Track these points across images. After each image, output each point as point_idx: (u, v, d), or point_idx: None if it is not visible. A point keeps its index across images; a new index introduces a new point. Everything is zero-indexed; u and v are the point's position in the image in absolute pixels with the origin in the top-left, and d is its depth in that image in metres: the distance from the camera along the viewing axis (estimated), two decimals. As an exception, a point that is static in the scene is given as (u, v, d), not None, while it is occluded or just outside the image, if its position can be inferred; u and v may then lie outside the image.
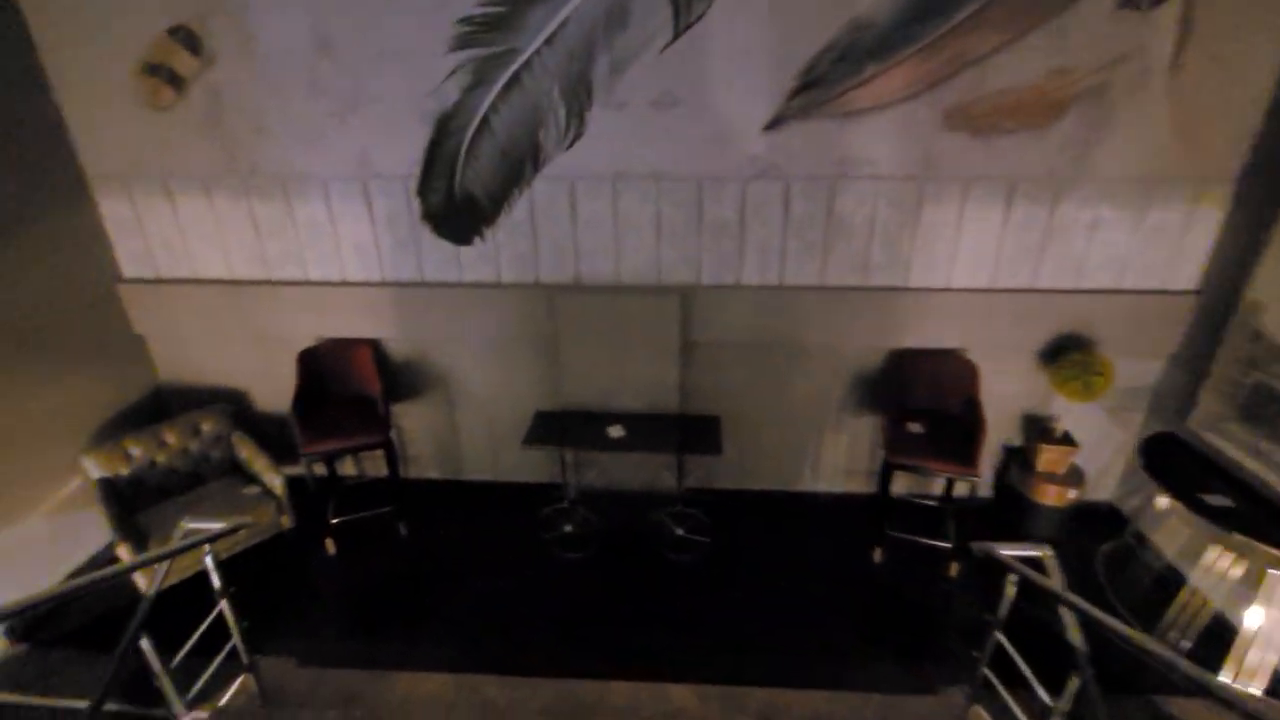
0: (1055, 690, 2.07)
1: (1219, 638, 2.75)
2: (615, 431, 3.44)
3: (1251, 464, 2.91)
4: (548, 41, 2.99)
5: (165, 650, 2.29)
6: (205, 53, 3.15)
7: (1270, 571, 2.58)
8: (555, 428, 3.56)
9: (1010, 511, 3.63)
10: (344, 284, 3.63)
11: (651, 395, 3.63)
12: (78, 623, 3.14)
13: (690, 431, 3.51)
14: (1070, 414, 3.52)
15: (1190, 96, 2.90)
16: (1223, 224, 3.13)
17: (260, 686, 2.61)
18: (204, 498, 3.46)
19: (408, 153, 3.30)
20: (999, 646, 2.28)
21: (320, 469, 3.86)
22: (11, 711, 2.81)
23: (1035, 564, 2.12)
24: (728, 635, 3.09)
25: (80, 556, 3.41)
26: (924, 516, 3.67)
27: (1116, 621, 1.74)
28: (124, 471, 3.38)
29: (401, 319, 3.66)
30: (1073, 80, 2.91)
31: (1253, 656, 2.64)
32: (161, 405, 3.94)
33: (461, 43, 3.04)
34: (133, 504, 3.39)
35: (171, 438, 3.55)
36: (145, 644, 2.28)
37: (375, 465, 4.10)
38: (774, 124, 3.12)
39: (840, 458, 3.91)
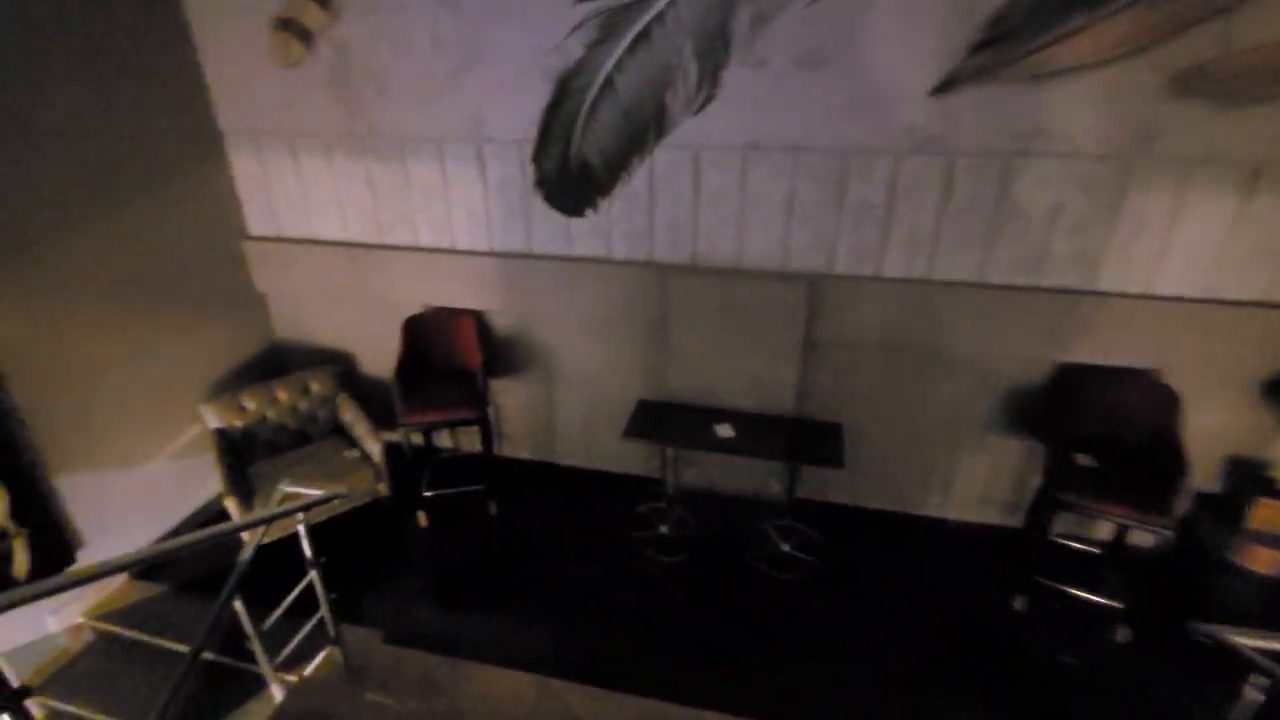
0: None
1: None
2: (724, 431, 3.12)
3: None
4: (685, -10, 2.66)
5: (263, 603, 2.27)
6: (333, 6, 3.08)
7: None
8: (658, 420, 3.29)
9: (1197, 572, 2.98)
10: (453, 251, 3.52)
11: (765, 394, 3.28)
12: (191, 571, 3.24)
13: (807, 439, 3.13)
14: (1297, 462, 2.82)
15: None
16: None
17: (345, 659, 2.55)
18: (308, 457, 3.50)
19: (524, 115, 3.10)
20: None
21: (417, 438, 3.82)
22: (126, 646, 2.94)
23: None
24: (831, 670, 2.72)
25: (200, 498, 3.55)
26: (1081, 565, 3.10)
27: None
28: (238, 424, 3.46)
29: (506, 291, 3.50)
30: (1368, 33, 2.22)
31: None
32: (277, 362, 4.04)
33: (590, -7, 2.77)
34: (244, 456, 3.48)
35: (283, 395, 3.61)
36: (238, 606, 2.25)
37: (470, 439, 4.02)
38: (944, 87, 2.63)
39: (977, 484, 3.38)
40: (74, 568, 2.86)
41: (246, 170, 3.62)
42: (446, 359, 3.68)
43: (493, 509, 3.63)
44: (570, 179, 3.18)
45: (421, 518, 3.58)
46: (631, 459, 3.76)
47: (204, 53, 3.34)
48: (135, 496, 3.19)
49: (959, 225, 2.85)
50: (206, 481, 3.52)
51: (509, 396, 3.84)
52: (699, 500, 3.57)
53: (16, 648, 2.70)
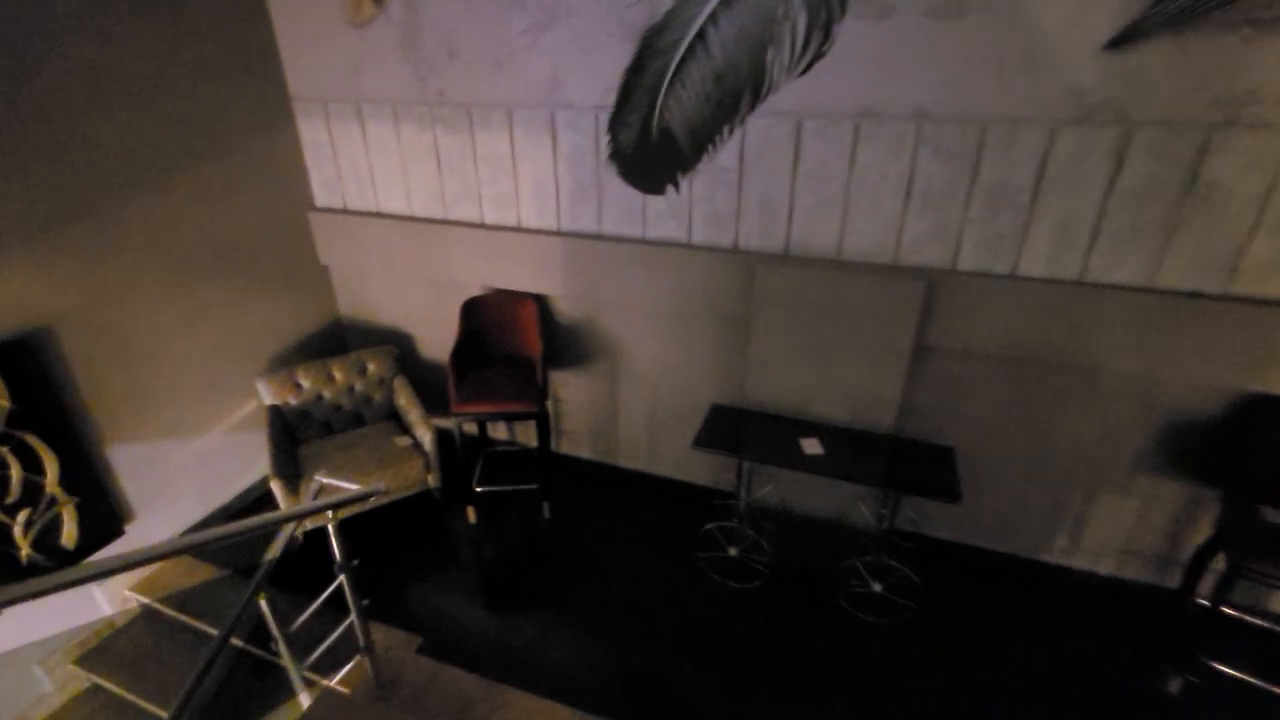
0: None
1: None
2: (811, 447, 2.69)
3: None
4: (798, -77, 2.24)
5: (309, 590, 2.13)
6: (404, -43, 2.84)
7: None
8: (734, 429, 2.90)
9: None
10: (517, 230, 3.24)
11: (861, 406, 2.82)
12: (238, 558, 3.14)
13: (912, 463, 2.66)
14: None
15: None
16: None
17: (375, 671, 2.32)
18: (359, 441, 3.32)
19: (603, 78, 2.76)
20: None
21: (471, 428, 3.59)
22: (170, 625, 2.85)
23: None
24: (935, 750, 2.27)
25: (251, 476, 3.46)
26: (1261, 646, 2.49)
27: None
28: (292, 401, 3.33)
29: (572, 275, 3.19)
30: None
31: None
32: (337, 339, 3.92)
33: (685, -69, 2.39)
34: (296, 436, 3.35)
35: (339, 374, 3.46)
36: (264, 606, 2.05)
37: (527, 433, 3.77)
38: (1124, 39, 2.09)
39: (1117, 531, 2.79)
40: (103, 554, 2.79)
41: (314, 138, 3.47)
42: (505, 346, 3.42)
43: (546, 511, 3.35)
44: (650, 151, 2.82)
45: (471, 514, 3.34)
46: (699, 468, 3.39)
47: (276, 10, 3.20)
48: (187, 471, 3.10)
49: (1128, 215, 2.30)
50: (259, 459, 3.42)
51: (569, 390, 3.55)
52: (773, 519, 3.16)
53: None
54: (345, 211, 3.60)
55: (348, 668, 2.32)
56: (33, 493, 2.52)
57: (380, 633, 2.62)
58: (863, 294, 2.66)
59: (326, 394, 3.42)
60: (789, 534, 3.10)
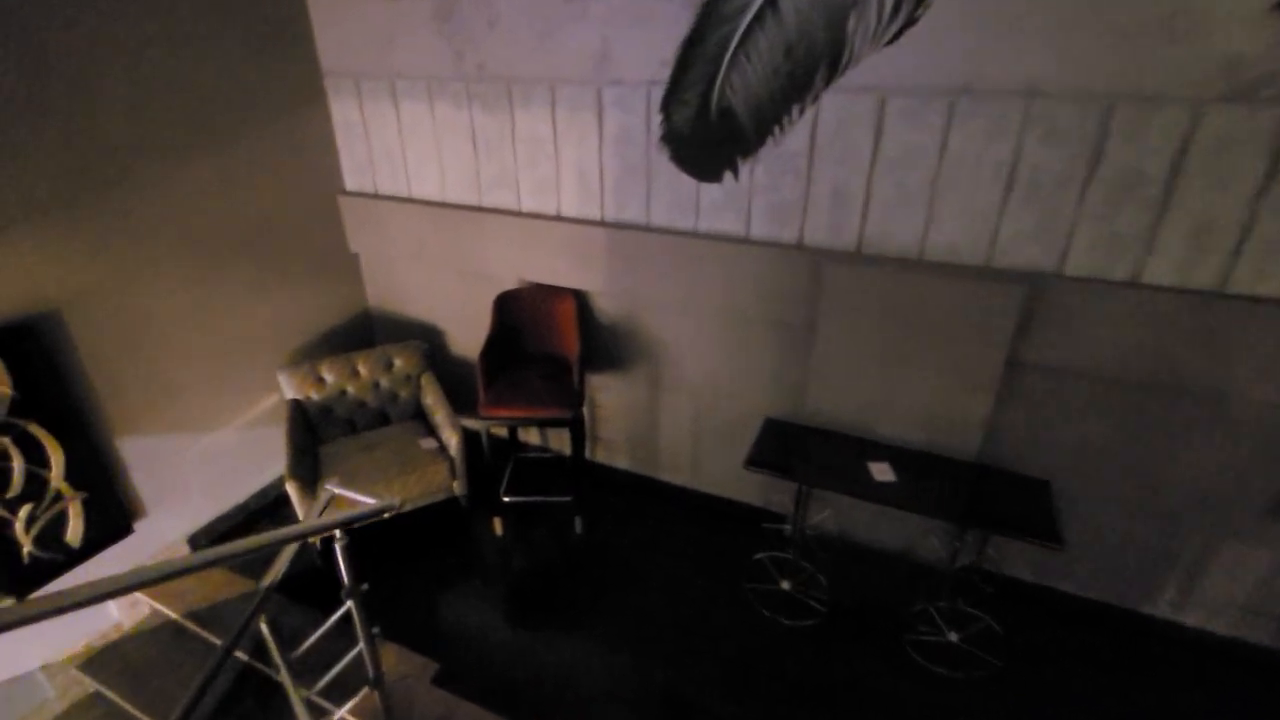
0: None
1: None
2: (882, 473, 2.36)
3: None
4: None
5: (328, 597, 1.94)
6: (443, -84, 2.60)
7: None
8: (791, 448, 2.58)
9: None
10: (557, 218, 2.98)
11: (940, 428, 2.48)
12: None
13: (999, 497, 2.30)
14: None
15: None
16: None
17: (384, 704, 2.09)
18: (382, 441, 3.11)
19: (657, 50, 2.47)
20: None
21: (500, 430, 3.35)
22: (179, 632, 2.68)
23: None
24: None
25: (269, 474, 3.29)
26: None
27: None
28: (315, 396, 3.14)
29: (615, 270, 2.91)
30: None
31: None
32: (365, 332, 3.73)
33: (759, -123, 2.08)
34: (317, 433, 3.16)
35: (364, 369, 3.26)
36: (264, 630, 1.83)
37: (560, 439, 3.51)
38: (1304, -4, 1.70)
39: (1243, 585, 2.39)
40: (110, 552, 2.62)
41: (345, 118, 3.27)
42: (540, 344, 3.17)
43: (578, 526, 3.08)
44: (707, 133, 2.52)
45: (497, 525, 3.10)
46: (748, 487, 3.08)
47: (309, -18, 3.00)
48: (202, 466, 2.94)
49: (1288, 214, 1.91)
50: (279, 456, 3.23)
51: (608, 395, 3.27)
52: (831, 548, 2.83)
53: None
54: (376, 196, 3.39)
55: (357, 698, 2.09)
56: (36, 486, 2.36)
57: (393, 656, 2.39)
58: (948, 299, 2.31)
59: (350, 389, 3.22)
60: (848, 566, 2.77)
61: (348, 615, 1.94)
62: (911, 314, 2.39)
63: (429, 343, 3.48)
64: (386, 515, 1.88)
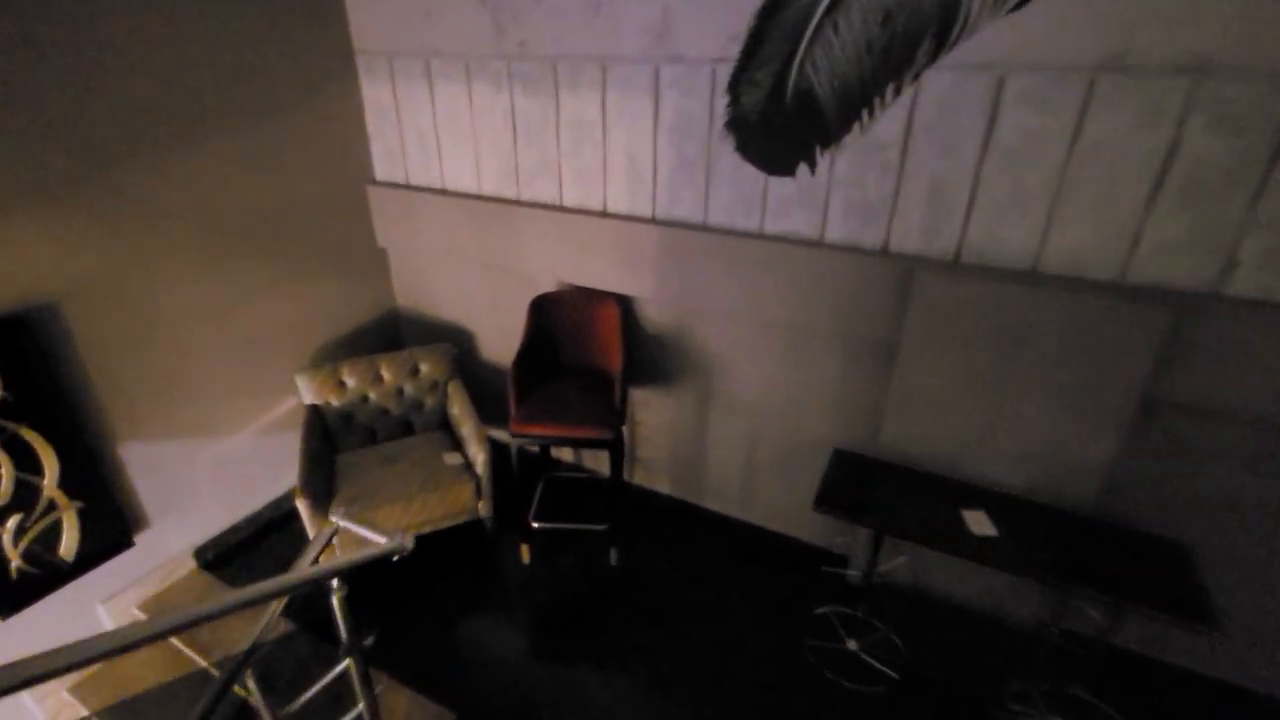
0: None
1: None
2: (979, 524, 1.98)
3: None
4: None
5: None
6: None
7: None
8: (865, 485, 2.22)
9: None
10: (602, 214, 2.67)
11: (1047, 473, 2.08)
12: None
13: (1128, 562, 1.90)
14: None
15: None
16: None
17: (389, 770, 1.81)
18: (404, 453, 2.85)
19: (725, 22, 2.14)
20: None
21: (532, 446, 3.06)
22: (175, 653, 2.46)
23: None
24: None
25: (285, 484, 3.06)
26: None
27: None
28: (335, 401, 2.90)
29: (665, 273, 2.59)
30: None
31: None
32: (393, 332, 3.49)
33: None
34: (335, 441, 2.91)
35: (388, 373, 3.00)
36: (252, 686, 1.56)
37: (596, 457, 3.21)
38: None
39: None
40: (109, 566, 2.41)
41: (377, 101, 3.02)
42: (579, 354, 2.87)
43: (614, 558, 2.77)
44: (781, 118, 2.17)
45: (525, 553, 2.81)
46: (807, 523, 2.72)
47: (342, -49, 2.76)
48: (213, 475, 2.72)
49: None
50: (293, 464, 3.00)
51: (651, 412, 2.95)
52: (904, 600, 2.45)
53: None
54: (407, 187, 3.14)
55: (357, 762, 1.82)
56: (27, 495, 2.15)
57: (405, 703, 2.11)
58: (1069, 320, 1.92)
59: (373, 396, 2.97)
60: (923, 624, 2.39)
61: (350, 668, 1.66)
62: (1021, 335, 2.00)
63: (458, 346, 3.21)
64: (395, 559, 1.60)
